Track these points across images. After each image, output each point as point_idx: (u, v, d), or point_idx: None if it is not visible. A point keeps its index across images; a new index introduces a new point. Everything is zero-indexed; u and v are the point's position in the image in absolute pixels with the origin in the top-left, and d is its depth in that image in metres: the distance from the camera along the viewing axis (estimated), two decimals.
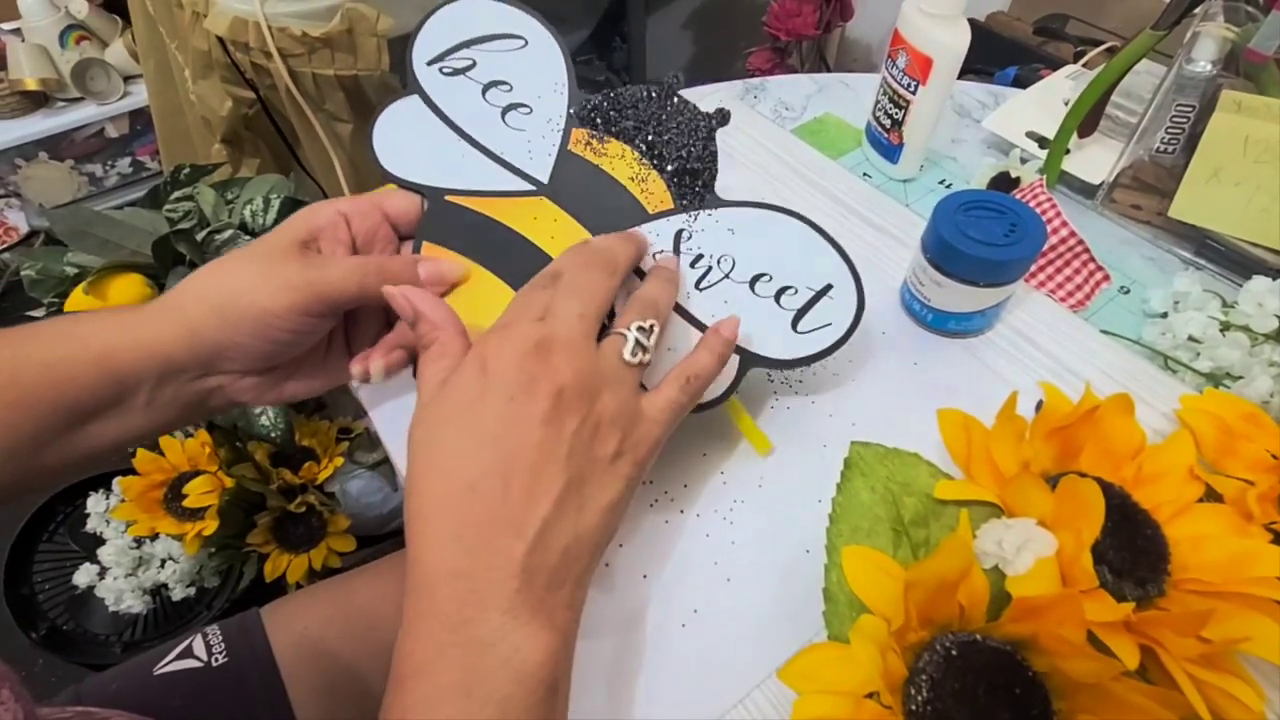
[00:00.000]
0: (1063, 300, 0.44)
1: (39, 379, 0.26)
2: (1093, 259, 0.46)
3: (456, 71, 0.35)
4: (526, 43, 0.35)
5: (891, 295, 0.43)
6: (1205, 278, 0.45)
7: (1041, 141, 0.53)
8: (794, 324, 0.33)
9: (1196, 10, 0.43)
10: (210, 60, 0.74)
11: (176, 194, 0.77)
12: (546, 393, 0.23)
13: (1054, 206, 0.47)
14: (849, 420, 0.38)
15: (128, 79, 1.35)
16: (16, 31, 1.30)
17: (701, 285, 0.32)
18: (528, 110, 0.34)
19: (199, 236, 0.71)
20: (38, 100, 1.31)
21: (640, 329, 0.27)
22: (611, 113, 0.34)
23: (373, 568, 0.47)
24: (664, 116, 0.34)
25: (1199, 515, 0.29)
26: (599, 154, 0.34)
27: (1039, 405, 0.35)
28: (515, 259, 0.32)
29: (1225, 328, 0.40)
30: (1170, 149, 0.47)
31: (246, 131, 0.82)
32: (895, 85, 0.48)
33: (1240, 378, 0.38)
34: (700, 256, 0.32)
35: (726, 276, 0.32)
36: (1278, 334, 0.38)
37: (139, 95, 1.35)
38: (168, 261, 0.70)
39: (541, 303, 0.26)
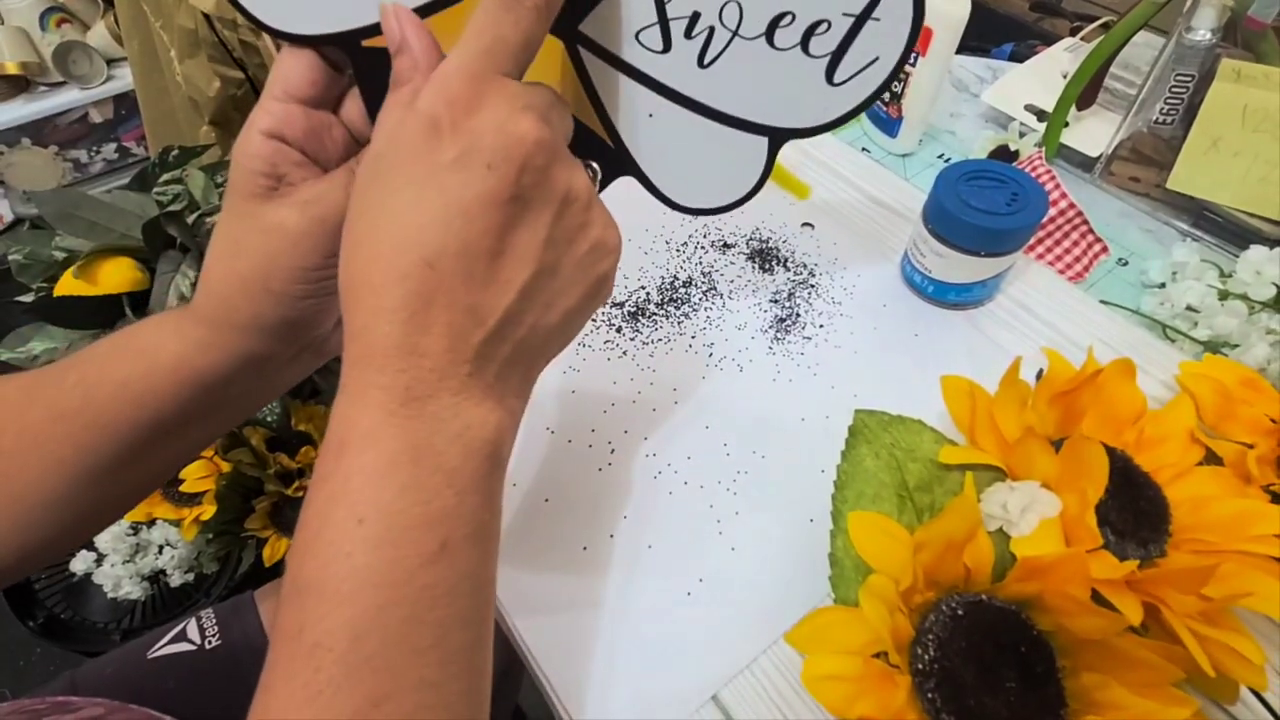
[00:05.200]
0: (1062, 272, 0.45)
1: (114, 398, 0.25)
2: (1091, 231, 0.46)
3: None
4: None
5: (892, 268, 0.43)
6: (1203, 249, 0.45)
7: (1040, 114, 0.53)
8: (829, 74, 0.25)
9: None
10: (197, 39, 0.73)
11: (165, 176, 0.76)
12: (531, 164, 0.20)
13: (1053, 179, 0.47)
14: (850, 391, 0.38)
15: (111, 62, 1.32)
16: None
17: (707, 59, 0.24)
18: None
19: (189, 219, 0.70)
20: (18, 85, 1.29)
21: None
22: None
23: None
24: None
25: (1199, 478, 0.29)
26: None
27: (1040, 374, 0.35)
28: None
29: (1223, 296, 0.40)
30: (1169, 120, 0.47)
31: (235, 112, 0.81)
32: None
33: (1238, 345, 0.38)
34: (695, 17, 0.24)
35: (735, 34, 0.24)
36: (1275, 301, 0.39)
37: (122, 79, 1.32)
38: (158, 245, 0.69)
39: (511, 38, 0.21)
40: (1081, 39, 0.63)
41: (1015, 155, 0.50)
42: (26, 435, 0.25)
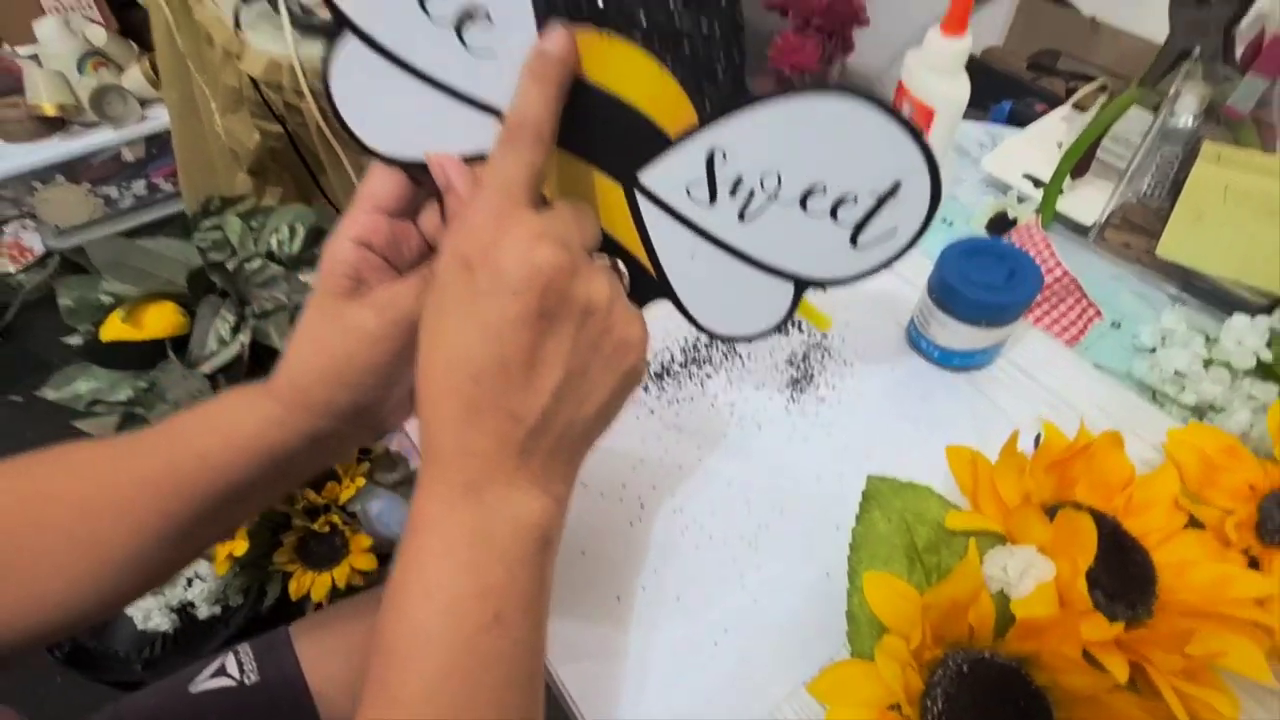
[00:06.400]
0: (1058, 335, 0.48)
1: (196, 469, 0.28)
2: (1084, 296, 0.49)
3: None
4: None
5: (899, 332, 0.47)
6: (1190, 313, 0.48)
7: (1037, 182, 0.57)
8: (853, 239, 0.27)
9: (1180, 68, 0.47)
10: (240, 96, 0.77)
11: (206, 223, 0.80)
12: (552, 287, 0.23)
13: (1048, 246, 0.50)
14: (862, 452, 0.41)
15: (144, 104, 1.38)
16: (34, 57, 1.33)
17: (747, 214, 0.27)
18: (488, 23, 0.25)
19: (230, 266, 0.74)
20: (55, 125, 1.34)
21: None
22: None
23: None
24: None
25: (1183, 542, 0.32)
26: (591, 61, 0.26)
27: (1038, 439, 0.38)
28: None
29: (1208, 363, 0.43)
30: (1156, 193, 0.50)
31: (272, 163, 0.85)
32: None
33: (1223, 410, 0.41)
34: (740, 180, 0.26)
35: (773, 199, 0.27)
36: (1257, 369, 0.42)
37: (155, 119, 1.38)
38: (200, 291, 0.73)
39: (517, 173, 0.24)
40: (1076, 104, 0.67)
41: (1013, 222, 0.54)
42: (116, 499, 0.28)
